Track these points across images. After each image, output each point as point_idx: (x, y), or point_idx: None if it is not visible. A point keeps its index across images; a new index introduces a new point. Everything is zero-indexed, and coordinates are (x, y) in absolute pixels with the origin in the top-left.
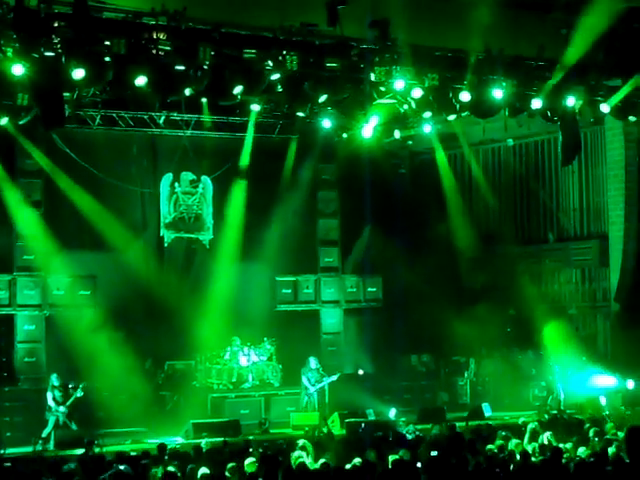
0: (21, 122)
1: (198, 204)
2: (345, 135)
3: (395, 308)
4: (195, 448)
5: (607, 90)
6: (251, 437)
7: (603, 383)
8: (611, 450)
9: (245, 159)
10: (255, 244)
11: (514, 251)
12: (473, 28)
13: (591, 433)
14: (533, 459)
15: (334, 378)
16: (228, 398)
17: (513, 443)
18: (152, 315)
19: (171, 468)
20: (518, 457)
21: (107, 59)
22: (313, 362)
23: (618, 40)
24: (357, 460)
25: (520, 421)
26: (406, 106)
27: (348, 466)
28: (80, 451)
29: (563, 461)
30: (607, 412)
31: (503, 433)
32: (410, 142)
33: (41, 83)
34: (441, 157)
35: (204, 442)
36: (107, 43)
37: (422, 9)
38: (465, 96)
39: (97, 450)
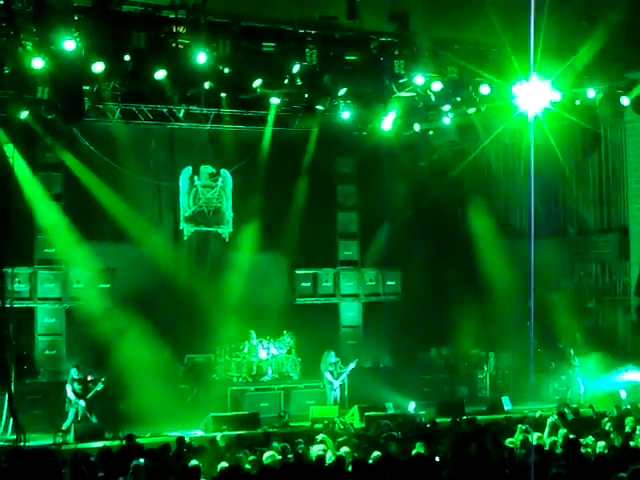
0: (49, 117)
1: (218, 197)
2: (365, 132)
3: (414, 301)
4: (213, 441)
5: (628, 83)
6: (270, 430)
7: (629, 378)
8: (631, 444)
9: (262, 151)
10: (274, 237)
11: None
12: (492, 20)
13: (610, 427)
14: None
15: (353, 366)
16: (247, 391)
17: (535, 437)
18: (171, 308)
19: (194, 462)
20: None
21: (127, 53)
22: (332, 356)
23: (639, 32)
24: (376, 453)
25: (537, 415)
26: (425, 99)
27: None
28: (99, 443)
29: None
30: (627, 406)
31: (523, 427)
32: (431, 132)
33: (61, 77)
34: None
35: (219, 436)
36: (127, 37)
37: (441, 1)
38: (485, 89)
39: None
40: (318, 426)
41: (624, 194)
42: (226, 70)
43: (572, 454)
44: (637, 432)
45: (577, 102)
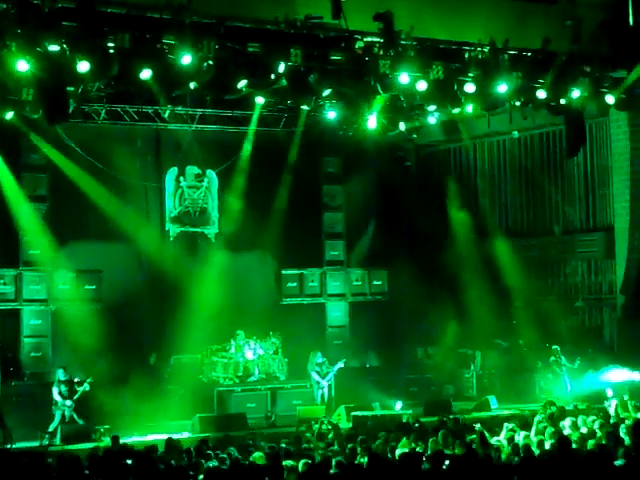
0: (34, 116)
1: (203, 198)
2: (350, 132)
3: (401, 301)
4: (202, 442)
5: (612, 82)
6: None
7: (616, 378)
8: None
9: (247, 152)
10: (260, 238)
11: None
12: (478, 20)
13: (597, 425)
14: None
15: (341, 365)
16: (234, 392)
17: (522, 436)
18: (157, 309)
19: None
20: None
21: (112, 53)
22: (319, 356)
23: (623, 31)
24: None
25: (525, 413)
26: (411, 98)
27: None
28: (87, 445)
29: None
30: (614, 404)
31: (510, 426)
32: (415, 135)
33: (45, 78)
34: None
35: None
36: (111, 37)
37: (426, 1)
38: (470, 88)
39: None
40: (303, 427)
41: (609, 192)
42: (211, 70)
43: (563, 452)
44: (622, 429)
45: (562, 101)
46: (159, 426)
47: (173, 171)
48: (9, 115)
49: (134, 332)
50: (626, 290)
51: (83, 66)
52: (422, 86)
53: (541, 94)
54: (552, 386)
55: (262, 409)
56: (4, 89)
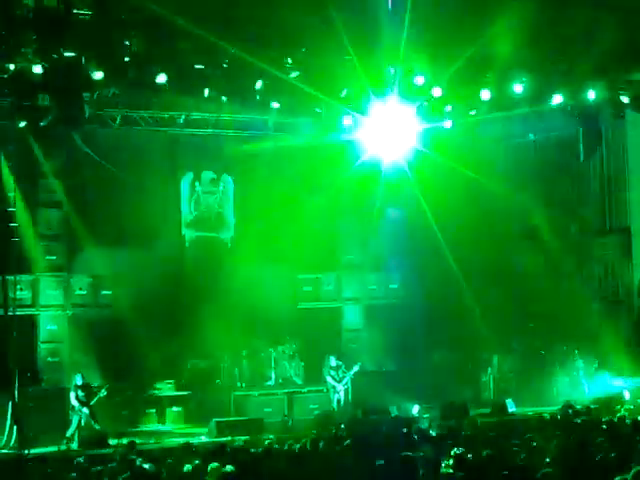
0: (42, 123)
1: (219, 203)
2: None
3: (417, 304)
4: (220, 446)
5: (628, 84)
6: (272, 436)
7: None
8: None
9: (263, 156)
10: (276, 242)
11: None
12: (494, 21)
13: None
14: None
15: (356, 369)
16: (251, 396)
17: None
18: (174, 314)
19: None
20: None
21: (127, 59)
22: (333, 360)
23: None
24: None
25: (545, 415)
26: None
27: None
28: (104, 450)
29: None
30: (631, 407)
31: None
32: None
33: (61, 83)
34: None
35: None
36: (127, 43)
37: (442, 4)
38: (486, 91)
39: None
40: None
41: (626, 195)
42: (226, 75)
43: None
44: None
45: (578, 103)
46: (176, 431)
47: (189, 176)
48: (23, 123)
49: (150, 337)
50: None
51: (98, 73)
52: (437, 92)
53: (557, 97)
54: (569, 389)
55: (279, 413)
56: (19, 95)
